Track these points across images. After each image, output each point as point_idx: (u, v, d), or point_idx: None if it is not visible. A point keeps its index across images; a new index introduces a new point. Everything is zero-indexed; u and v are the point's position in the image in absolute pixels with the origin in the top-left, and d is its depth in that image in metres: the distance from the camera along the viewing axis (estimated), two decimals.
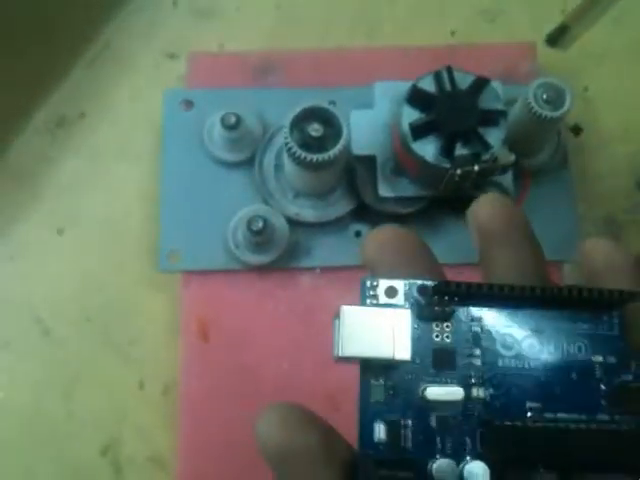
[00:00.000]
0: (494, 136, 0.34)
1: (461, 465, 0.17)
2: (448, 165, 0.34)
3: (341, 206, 0.39)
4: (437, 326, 0.19)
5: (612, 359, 0.18)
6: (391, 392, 0.18)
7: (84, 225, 0.41)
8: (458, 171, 0.34)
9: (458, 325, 0.19)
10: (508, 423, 0.17)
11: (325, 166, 0.35)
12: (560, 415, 0.18)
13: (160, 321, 0.40)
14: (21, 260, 0.41)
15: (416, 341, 0.18)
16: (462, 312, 0.19)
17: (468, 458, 0.17)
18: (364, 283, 0.19)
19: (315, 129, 0.35)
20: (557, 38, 0.44)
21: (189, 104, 0.41)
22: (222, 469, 0.36)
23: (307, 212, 0.39)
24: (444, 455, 0.17)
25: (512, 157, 0.36)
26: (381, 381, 0.18)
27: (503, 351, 0.18)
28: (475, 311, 0.19)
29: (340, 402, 0.36)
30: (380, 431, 0.17)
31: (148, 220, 0.41)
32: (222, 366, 0.37)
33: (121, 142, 0.43)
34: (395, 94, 0.36)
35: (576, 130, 0.42)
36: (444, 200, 0.38)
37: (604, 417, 0.18)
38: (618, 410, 0.18)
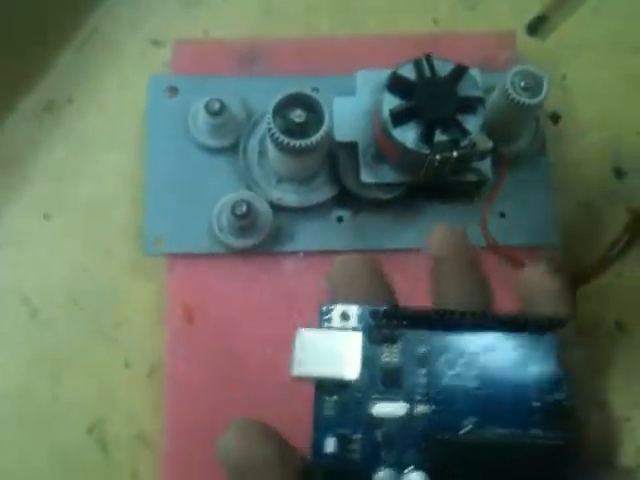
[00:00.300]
0: (472, 123, 0.35)
1: (402, 475, 0.18)
2: (428, 151, 0.35)
3: (323, 192, 0.40)
4: (387, 347, 0.20)
5: (546, 379, 0.20)
6: (342, 408, 0.19)
7: (71, 210, 0.42)
8: (437, 157, 0.35)
9: (406, 346, 0.20)
10: (447, 437, 0.19)
11: (307, 152, 0.36)
12: (497, 430, 0.19)
13: (146, 305, 0.40)
14: (8, 245, 0.41)
15: (367, 361, 0.20)
16: (410, 334, 0.20)
17: (410, 468, 0.18)
18: (321, 309, 0.20)
19: (298, 115, 0.36)
20: (536, 27, 0.45)
21: (174, 91, 0.41)
22: (208, 448, 0.37)
23: (290, 197, 0.39)
24: (388, 466, 0.18)
25: (490, 143, 0.36)
26: (334, 398, 0.19)
27: (446, 370, 0.20)
28: (422, 333, 0.20)
29: None
30: (331, 443, 0.19)
31: (135, 205, 0.41)
32: (207, 348, 0.38)
33: (108, 128, 0.43)
34: (377, 82, 0.37)
35: (554, 118, 0.43)
36: (424, 186, 0.39)
37: (538, 432, 0.19)
38: (551, 426, 0.19)
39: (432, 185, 0.38)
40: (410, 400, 0.19)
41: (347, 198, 0.40)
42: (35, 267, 0.41)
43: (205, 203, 0.39)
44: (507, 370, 0.20)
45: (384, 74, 0.36)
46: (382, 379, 0.20)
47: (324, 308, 0.20)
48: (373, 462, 0.19)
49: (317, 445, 0.19)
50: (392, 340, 0.20)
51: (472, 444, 0.19)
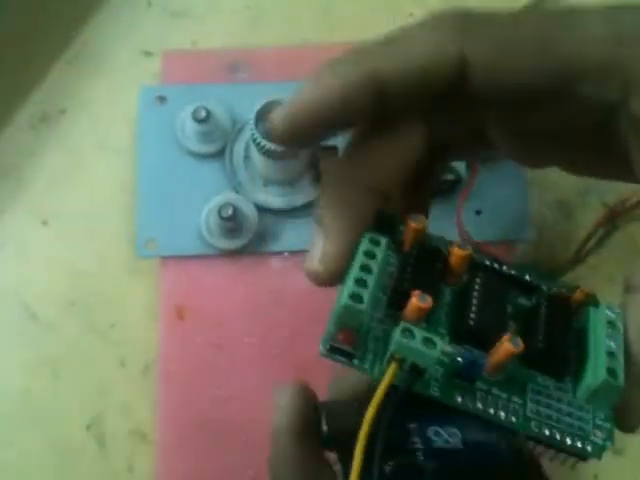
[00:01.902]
0: None
1: None
2: None
3: (307, 193, 0.41)
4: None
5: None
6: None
7: (68, 216, 0.43)
8: None
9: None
10: None
11: (289, 156, 0.37)
12: None
13: (140, 305, 0.42)
14: (8, 251, 0.43)
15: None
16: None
17: None
18: None
19: None
20: None
21: (162, 99, 0.43)
22: (200, 440, 0.39)
23: (275, 199, 0.41)
24: None
25: None
26: None
27: (434, 437, 0.23)
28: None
29: (307, 373, 0.38)
30: None
31: (128, 210, 0.43)
32: (198, 344, 0.40)
33: (100, 136, 0.45)
34: None
35: None
36: None
37: None
38: None
39: None
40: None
41: None
42: (33, 271, 0.42)
43: (194, 206, 0.41)
44: (480, 439, 0.24)
45: None
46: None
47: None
48: None
49: None
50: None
51: None
